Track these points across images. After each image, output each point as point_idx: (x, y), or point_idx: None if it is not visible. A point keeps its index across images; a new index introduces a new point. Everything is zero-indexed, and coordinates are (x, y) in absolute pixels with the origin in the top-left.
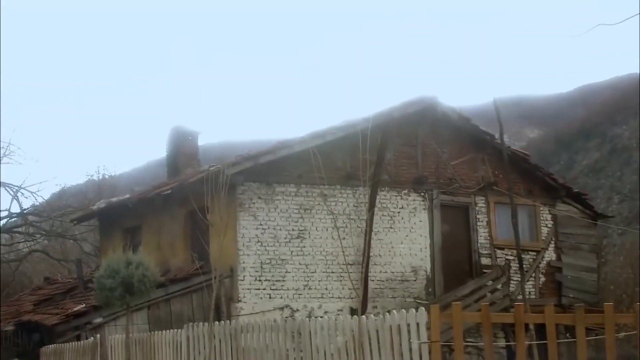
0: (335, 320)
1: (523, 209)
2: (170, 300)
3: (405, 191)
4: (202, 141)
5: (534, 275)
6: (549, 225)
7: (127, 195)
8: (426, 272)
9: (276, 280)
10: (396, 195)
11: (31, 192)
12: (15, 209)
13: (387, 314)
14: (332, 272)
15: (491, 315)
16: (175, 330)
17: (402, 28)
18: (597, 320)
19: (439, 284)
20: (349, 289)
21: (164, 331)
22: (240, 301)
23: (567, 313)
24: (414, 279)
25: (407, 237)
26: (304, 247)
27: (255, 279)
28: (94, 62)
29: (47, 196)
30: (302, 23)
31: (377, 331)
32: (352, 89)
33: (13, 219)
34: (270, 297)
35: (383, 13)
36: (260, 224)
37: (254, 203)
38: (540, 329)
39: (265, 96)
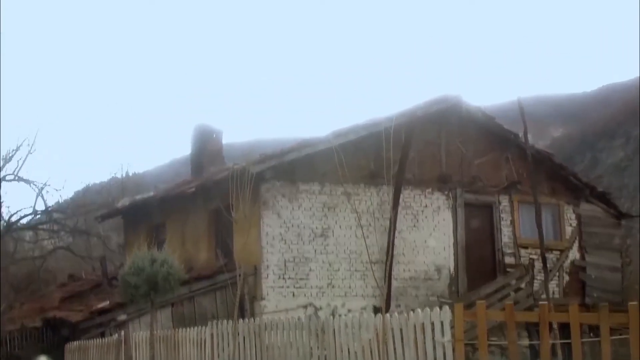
0: (360, 318)
1: (547, 208)
2: (194, 298)
3: (429, 190)
4: (226, 139)
5: (557, 274)
6: (573, 225)
7: (151, 193)
8: (450, 270)
9: (300, 279)
10: (420, 194)
11: (56, 189)
12: (40, 206)
13: (411, 312)
14: (356, 271)
15: (515, 314)
16: (200, 327)
17: (426, 26)
18: (622, 319)
19: (463, 283)
20: (372, 287)
21: (188, 328)
22: (264, 299)
23: (591, 312)
24: (438, 277)
25: (431, 236)
26: (328, 245)
27: (279, 277)
28: (118, 58)
29: (71, 193)
30: (324, 21)
31: (400, 330)
32: (376, 88)
33: (38, 216)
34: (293, 295)
35: (406, 9)
36: (284, 222)
37: (278, 201)
38: (564, 328)
39: (289, 95)
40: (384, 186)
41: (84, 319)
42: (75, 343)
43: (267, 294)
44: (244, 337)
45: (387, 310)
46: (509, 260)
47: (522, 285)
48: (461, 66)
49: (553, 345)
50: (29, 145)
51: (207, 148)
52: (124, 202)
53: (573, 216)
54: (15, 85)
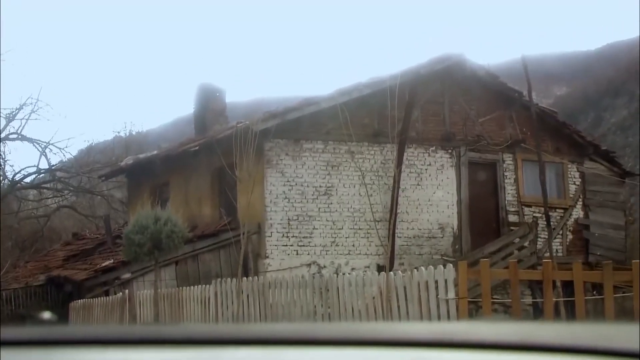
0: (363, 276)
1: (551, 166)
2: (198, 256)
3: (433, 148)
4: (229, 98)
5: (561, 232)
6: (577, 183)
7: (155, 152)
8: (453, 229)
9: (303, 237)
10: (423, 152)
11: (59, 148)
12: (44, 164)
13: (415, 270)
14: (359, 229)
15: (519, 272)
16: (203, 285)
17: None
18: (625, 277)
19: (466, 241)
20: (376, 245)
21: (192, 287)
22: (267, 257)
23: (595, 271)
24: (441, 235)
25: (434, 194)
26: (331, 203)
27: (283, 235)
28: (122, 16)
29: (75, 152)
30: None
31: (404, 288)
32: (379, 47)
33: (41, 175)
34: (297, 254)
35: None
36: (288, 181)
37: (281, 160)
38: (568, 286)
39: (293, 53)
40: (387, 144)
41: (88, 278)
42: (80, 301)
43: (271, 252)
44: (247, 295)
45: (390, 268)
46: (512, 218)
47: (526, 244)
48: (465, 25)
49: (556, 303)
50: (32, 104)
51: (210, 107)
52: (127, 160)
53: (577, 174)
54: (18, 43)
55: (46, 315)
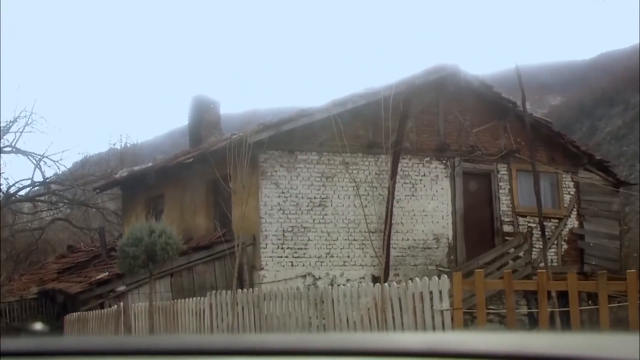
0: (358, 288)
1: (545, 176)
2: (192, 268)
3: (427, 159)
4: (223, 110)
5: (556, 242)
6: (572, 193)
7: (150, 164)
8: (448, 239)
9: (298, 248)
10: (418, 163)
11: (54, 161)
12: (38, 177)
13: (410, 281)
14: (354, 240)
15: (514, 283)
16: (198, 298)
17: None
18: (620, 287)
19: (461, 252)
20: (371, 256)
21: (187, 299)
22: (262, 269)
23: (590, 280)
24: (436, 246)
25: (429, 205)
26: (326, 214)
27: (278, 246)
28: (116, 28)
29: (69, 165)
30: None
31: (399, 299)
32: (373, 58)
33: (36, 188)
34: (292, 265)
35: None
36: (283, 192)
37: (276, 171)
38: (562, 296)
39: (287, 65)
40: (382, 155)
41: (83, 290)
42: (75, 314)
43: (266, 264)
44: (242, 307)
45: (385, 279)
46: (507, 228)
47: (521, 254)
48: (459, 35)
49: (551, 313)
50: (26, 116)
51: (204, 119)
52: (122, 173)
53: (571, 184)
54: (12, 56)
55: (39, 326)
